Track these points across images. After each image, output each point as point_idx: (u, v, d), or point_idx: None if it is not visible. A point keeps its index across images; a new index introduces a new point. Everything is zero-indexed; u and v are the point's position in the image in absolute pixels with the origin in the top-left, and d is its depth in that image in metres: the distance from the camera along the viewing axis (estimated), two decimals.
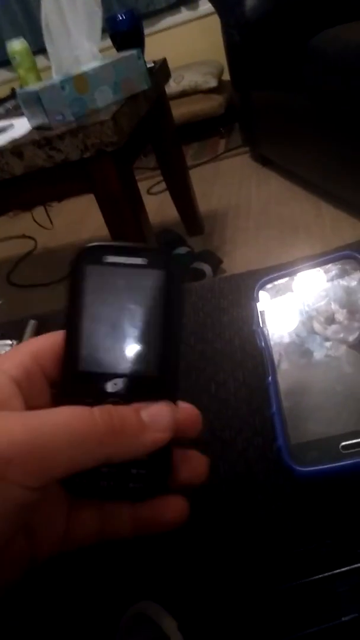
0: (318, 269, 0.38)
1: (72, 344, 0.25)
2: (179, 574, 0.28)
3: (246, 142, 2.38)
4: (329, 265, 0.38)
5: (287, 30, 1.62)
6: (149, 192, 2.34)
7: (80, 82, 1.08)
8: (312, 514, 0.28)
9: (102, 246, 0.25)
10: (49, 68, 1.31)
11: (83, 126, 1.05)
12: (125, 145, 1.11)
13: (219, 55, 2.31)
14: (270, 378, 0.34)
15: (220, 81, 2.71)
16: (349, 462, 0.28)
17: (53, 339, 0.25)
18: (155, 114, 1.56)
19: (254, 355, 0.37)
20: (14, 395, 0.22)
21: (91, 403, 0.22)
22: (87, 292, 0.25)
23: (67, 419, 0.20)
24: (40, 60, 1.67)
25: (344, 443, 0.29)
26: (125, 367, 0.24)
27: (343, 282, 0.36)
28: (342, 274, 0.37)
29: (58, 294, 1.89)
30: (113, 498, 0.24)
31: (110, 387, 0.24)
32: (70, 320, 0.25)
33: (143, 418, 0.22)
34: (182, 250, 1.68)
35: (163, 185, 2.01)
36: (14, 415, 0.21)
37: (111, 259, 0.25)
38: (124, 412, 0.22)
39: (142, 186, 1.28)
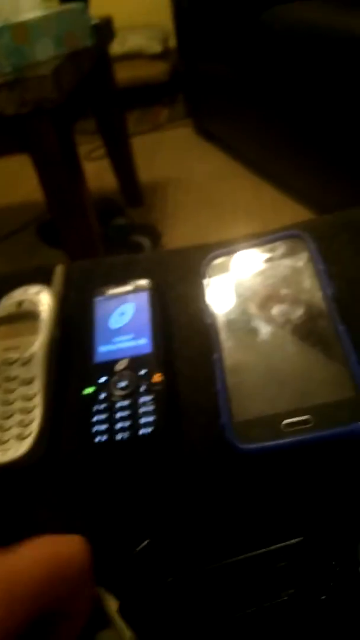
0: (265, 247, 0.38)
1: (87, 349, 0.37)
2: (119, 552, 0.27)
3: (190, 114, 2.34)
4: (277, 244, 0.38)
5: (239, 1, 1.58)
6: (87, 158, 2.25)
7: (20, 31, 1.00)
8: (254, 491, 0.29)
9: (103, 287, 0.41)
10: None
11: (21, 79, 0.98)
12: (65, 104, 1.05)
13: (166, 19, 2.24)
14: (216, 355, 0.33)
15: (165, 48, 2.63)
16: (290, 440, 0.28)
17: None
18: (97, 75, 1.49)
19: (200, 332, 0.36)
20: None
21: (104, 381, 0.34)
22: (96, 314, 0.39)
23: None
24: None
25: (285, 421, 0.29)
26: (127, 352, 0.35)
27: (289, 262, 0.36)
28: (289, 253, 0.37)
29: None
30: (128, 450, 0.31)
31: (118, 366, 0.34)
32: (87, 333, 0.38)
33: None
34: (120, 221, 1.64)
35: (102, 151, 1.94)
36: None
37: (110, 291, 0.40)
38: None
39: (81, 151, 1.22)
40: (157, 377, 0.33)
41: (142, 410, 0.32)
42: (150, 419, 0.31)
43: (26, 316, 0.38)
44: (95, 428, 0.32)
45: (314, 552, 0.25)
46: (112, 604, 0.24)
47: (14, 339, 0.37)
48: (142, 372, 0.34)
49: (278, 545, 0.25)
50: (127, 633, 0.23)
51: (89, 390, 0.34)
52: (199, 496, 0.29)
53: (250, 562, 0.25)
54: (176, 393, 0.34)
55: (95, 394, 0.33)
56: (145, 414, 0.31)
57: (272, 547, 0.25)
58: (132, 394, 0.33)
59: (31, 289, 0.40)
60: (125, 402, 0.32)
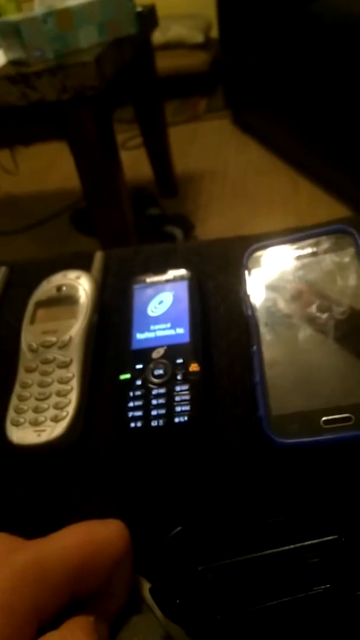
0: (310, 240, 0.37)
1: (125, 335, 0.37)
2: (151, 538, 0.27)
3: (229, 105, 2.31)
4: (322, 238, 0.37)
5: None
6: (123, 147, 2.25)
7: (64, 17, 1.01)
8: (289, 486, 0.28)
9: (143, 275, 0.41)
10: (29, 0, 1.21)
11: (63, 66, 0.98)
12: (106, 92, 1.05)
13: (209, 9, 2.21)
14: (255, 347, 0.33)
15: (207, 38, 2.61)
16: (329, 437, 0.28)
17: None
18: (138, 63, 1.49)
19: (238, 323, 0.36)
20: None
21: (141, 368, 0.34)
22: (134, 302, 0.39)
23: None
24: None
25: (325, 418, 0.28)
26: (165, 340, 0.35)
27: (335, 258, 0.36)
28: (335, 248, 0.36)
29: (21, 243, 1.82)
30: (163, 437, 0.31)
31: (155, 354, 0.35)
32: (125, 320, 0.38)
33: None
34: (154, 211, 1.64)
35: (138, 140, 1.94)
36: None
37: (150, 279, 0.40)
38: None
39: (117, 139, 1.22)
40: (193, 367, 0.33)
41: (177, 398, 0.32)
42: (186, 407, 0.31)
43: (65, 300, 0.39)
44: (131, 414, 0.32)
45: (350, 550, 0.24)
46: (146, 589, 0.24)
47: (53, 322, 0.38)
48: (179, 361, 0.34)
49: (312, 541, 0.25)
50: (162, 618, 0.23)
51: (126, 376, 0.34)
52: (233, 487, 0.29)
53: (282, 556, 0.25)
54: (212, 384, 0.34)
55: (132, 380, 0.34)
56: (181, 402, 0.32)
57: (306, 543, 0.25)
58: (168, 382, 0.33)
59: (71, 274, 0.40)
60: (161, 390, 0.33)
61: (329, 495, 0.28)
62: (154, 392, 0.33)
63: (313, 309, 0.34)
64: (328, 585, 0.23)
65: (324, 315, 0.33)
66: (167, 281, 0.40)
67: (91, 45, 1.06)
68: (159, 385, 0.33)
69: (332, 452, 0.28)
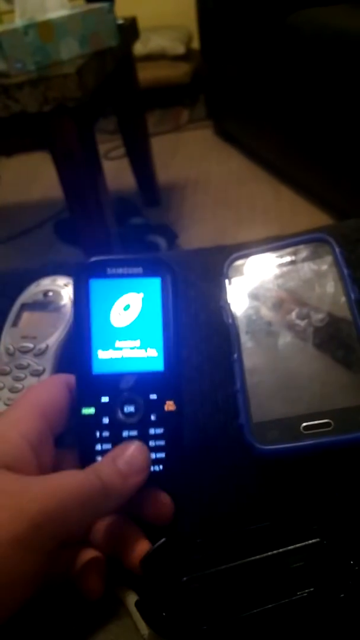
0: (289, 249, 0.38)
1: (84, 351, 0.29)
2: None
3: (210, 115, 2.34)
4: (301, 247, 0.38)
5: (265, 3, 1.57)
6: (106, 157, 2.26)
7: (46, 29, 1.01)
8: (270, 492, 0.29)
9: (103, 260, 0.29)
10: (10, 12, 1.21)
11: (45, 77, 0.98)
12: (87, 103, 1.06)
13: (190, 21, 2.24)
14: (236, 355, 0.33)
15: (188, 49, 2.64)
16: (309, 442, 0.28)
17: (56, 391, 0.28)
18: (120, 75, 1.50)
19: (219, 331, 0.36)
20: (31, 460, 0.25)
21: (107, 402, 0.28)
22: (92, 303, 0.29)
23: (76, 485, 0.23)
24: (2, 5, 1.54)
25: (305, 424, 0.29)
26: (134, 365, 0.29)
27: (313, 266, 0.36)
28: (313, 256, 0.37)
29: (4, 253, 1.81)
30: None
31: (124, 384, 0.28)
32: (78, 330, 0.29)
33: (121, 468, 0.25)
34: (137, 220, 1.65)
35: (121, 150, 1.95)
36: (35, 481, 0.23)
37: (112, 271, 0.29)
38: (106, 470, 0.25)
39: (100, 150, 1.23)
40: (169, 406, 0.28)
41: (152, 444, 0.28)
42: (161, 455, 0.28)
43: (50, 307, 0.38)
44: (99, 458, 0.28)
45: (332, 553, 0.24)
46: (131, 599, 0.24)
47: (34, 328, 0.37)
48: (152, 396, 0.28)
49: (295, 545, 0.25)
50: (144, 628, 0.23)
51: (89, 410, 0.28)
52: (215, 495, 0.29)
53: (266, 562, 0.25)
54: (182, 420, 0.30)
55: (98, 416, 0.28)
56: (155, 448, 0.28)
57: (289, 548, 0.25)
58: (140, 422, 0.28)
59: (60, 280, 0.40)
60: (133, 432, 0.28)
61: (310, 500, 0.28)
62: (125, 433, 0.28)
63: (292, 316, 0.34)
64: (312, 589, 0.24)
65: (303, 323, 0.34)
66: (135, 275, 0.30)
67: (72, 57, 1.07)
68: (130, 426, 0.28)
69: (313, 457, 0.29)
